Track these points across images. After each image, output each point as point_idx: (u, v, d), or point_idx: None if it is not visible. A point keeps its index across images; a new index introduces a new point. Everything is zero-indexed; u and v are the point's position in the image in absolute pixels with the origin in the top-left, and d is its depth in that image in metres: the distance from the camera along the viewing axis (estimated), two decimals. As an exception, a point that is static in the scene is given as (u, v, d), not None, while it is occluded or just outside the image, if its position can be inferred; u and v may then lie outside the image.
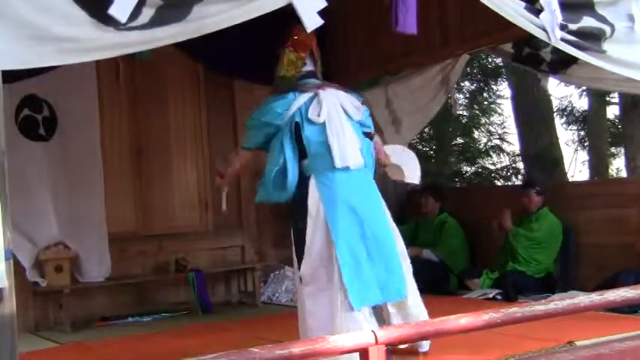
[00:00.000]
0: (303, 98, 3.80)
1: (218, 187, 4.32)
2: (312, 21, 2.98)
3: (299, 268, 3.78)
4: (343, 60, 6.70)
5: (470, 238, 6.75)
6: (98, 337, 5.42)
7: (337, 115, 3.81)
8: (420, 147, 13.00)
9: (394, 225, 3.99)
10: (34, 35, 2.52)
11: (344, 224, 3.70)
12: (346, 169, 3.77)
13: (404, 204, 7.69)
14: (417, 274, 6.49)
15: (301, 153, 3.78)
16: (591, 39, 3.89)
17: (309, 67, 3.99)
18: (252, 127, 3.96)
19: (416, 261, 6.55)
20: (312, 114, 3.76)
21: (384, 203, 3.96)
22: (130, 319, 6.03)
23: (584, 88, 10.26)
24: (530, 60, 5.78)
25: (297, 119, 3.76)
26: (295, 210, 3.84)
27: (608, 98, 10.92)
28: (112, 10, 2.61)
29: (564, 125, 12.83)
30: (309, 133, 3.76)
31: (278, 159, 3.77)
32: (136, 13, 2.66)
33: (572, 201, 6.15)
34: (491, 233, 6.41)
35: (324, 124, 3.76)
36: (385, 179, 7.50)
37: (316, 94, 3.82)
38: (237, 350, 2.34)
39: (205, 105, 6.81)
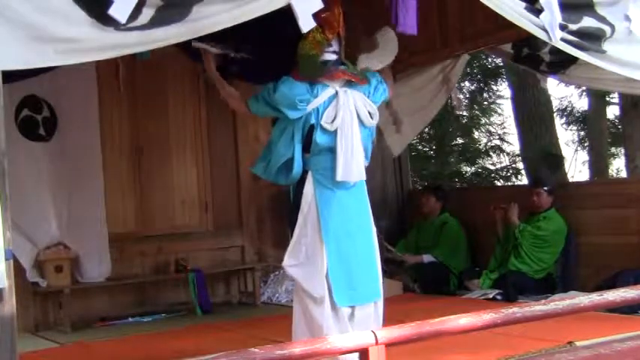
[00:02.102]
0: (322, 97, 3.73)
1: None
2: (306, 22, 2.97)
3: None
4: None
5: (470, 238, 6.75)
6: (98, 337, 5.41)
7: (350, 122, 3.76)
8: (420, 147, 13.01)
9: (374, 227, 3.97)
10: (34, 35, 2.52)
11: (335, 224, 3.73)
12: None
13: (404, 204, 7.69)
14: (417, 275, 6.58)
15: (305, 147, 3.78)
16: (591, 39, 3.89)
17: (334, 47, 3.85)
18: (261, 100, 3.82)
19: (417, 266, 6.63)
20: (325, 120, 3.72)
21: (369, 204, 3.95)
22: (130, 319, 6.02)
23: (584, 88, 10.25)
24: (530, 60, 5.77)
25: (313, 122, 3.73)
26: (290, 201, 3.90)
27: (608, 98, 10.92)
28: (112, 11, 2.61)
29: (564, 125, 12.84)
30: (320, 139, 3.74)
31: (287, 151, 3.77)
32: (135, 13, 2.66)
33: (573, 201, 6.14)
34: (490, 233, 6.41)
35: (335, 131, 3.73)
36: (385, 180, 7.58)
37: (336, 94, 3.76)
38: (237, 350, 2.34)
39: (205, 104, 6.80)
